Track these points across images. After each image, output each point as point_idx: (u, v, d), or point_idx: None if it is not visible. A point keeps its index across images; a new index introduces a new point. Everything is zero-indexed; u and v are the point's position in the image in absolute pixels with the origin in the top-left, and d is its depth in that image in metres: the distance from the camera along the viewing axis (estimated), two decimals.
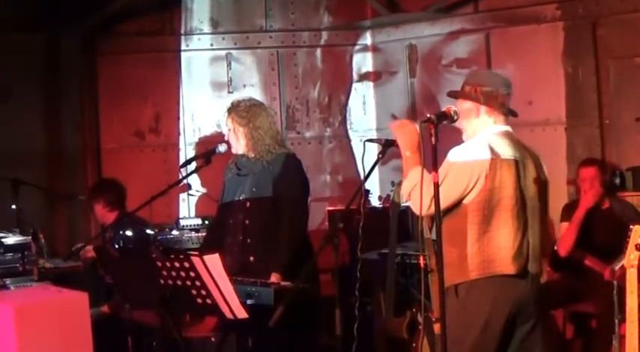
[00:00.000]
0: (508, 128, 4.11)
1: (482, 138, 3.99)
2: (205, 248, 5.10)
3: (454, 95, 4.18)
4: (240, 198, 4.99)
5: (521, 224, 3.91)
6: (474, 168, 3.86)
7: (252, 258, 4.86)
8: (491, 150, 3.90)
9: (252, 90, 7.76)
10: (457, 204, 3.88)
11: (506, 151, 3.96)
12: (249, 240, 4.90)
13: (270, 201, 4.88)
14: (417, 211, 3.88)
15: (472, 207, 3.87)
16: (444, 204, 3.71)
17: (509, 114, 4.12)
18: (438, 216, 3.63)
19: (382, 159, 4.08)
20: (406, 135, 4.00)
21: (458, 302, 3.85)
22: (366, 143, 4.13)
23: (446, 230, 3.72)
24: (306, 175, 5.09)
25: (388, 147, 4.07)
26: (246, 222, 4.93)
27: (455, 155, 3.93)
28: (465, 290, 3.86)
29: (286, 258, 4.72)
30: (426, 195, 3.76)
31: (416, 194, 3.84)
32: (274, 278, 4.64)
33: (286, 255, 4.74)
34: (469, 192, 3.87)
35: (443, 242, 3.71)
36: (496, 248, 3.86)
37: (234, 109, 5.03)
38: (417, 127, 3.96)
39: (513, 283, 3.89)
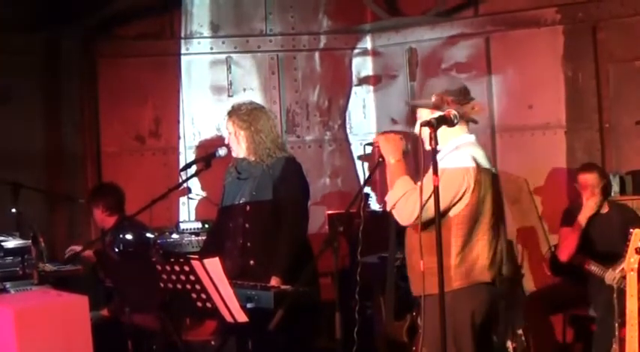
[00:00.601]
0: (473, 137, 4.13)
1: (463, 148, 4.01)
2: (205, 251, 5.11)
3: (423, 106, 4.13)
4: (241, 201, 4.99)
5: (495, 232, 4.01)
6: (463, 177, 3.90)
7: (252, 262, 4.86)
8: (475, 161, 3.95)
9: (252, 93, 7.75)
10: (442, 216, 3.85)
11: (483, 162, 4.02)
12: (249, 244, 4.90)
13: (270, 205, 4.88)
14: (403, 221, 3.88)
15: (457, 221, 3.92)
16: (431, 213, 3.70)
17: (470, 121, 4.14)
18: (438, 219, 3.62)
19: (382, 163, 4.08)
20: (389, 143, 4.02)
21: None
22: (366, 147, 4.13)
23: (429, 241, 3.71)
24: (306, 179, 5.10)
25: None
26: (247, 225, 4.93)
27: (443, 165, 3.88)
28: (450, 299, 3.81)
29: (286, 262, 4.72)
30: (412, 204, 3.79)
31: (402, 205, 3.85)
32: (274, 281, 4.64)
33: (286, 258, 4.74)
34: (457, 202, 3.90)
35: (424, 253, 3.73)
36: (475, 257, 3.95)
37: (235, 113, 5.03)
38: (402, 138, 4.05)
39: (489, 289, 4.00)
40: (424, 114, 4.09)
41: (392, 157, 3.99)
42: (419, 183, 3.68)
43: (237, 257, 4.90)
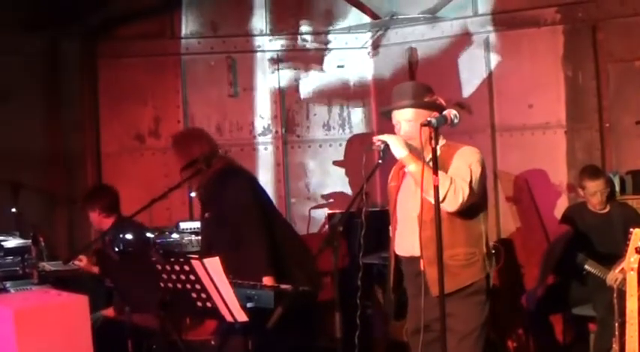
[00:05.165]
0: None
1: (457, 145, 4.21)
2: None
3: (427, 107, 4.21)
4: (201, 223, 5.26)
5: None
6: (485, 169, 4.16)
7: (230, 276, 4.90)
8: None
9: (252, 93, 7.77)
10: (475, 209, 4.08)
11: None
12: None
13: (220, 219, 4.99)
14: (453, 208, 3.95)
15: (484, 212, 4.18)
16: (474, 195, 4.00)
17: None
18: (438, 216, 3.65)
19: (381, 164, 4.08)
20: (397, 140, 4.03)
21: (488, 292, 4.18)
22: (367, 149, 4.14)
23: (466, 232, 4.09)
24: (245, 177, 5.17)
25: (388, 152, 4.06)
26: (212, 244, 5.05)
27: (470, 155, 4.10)
28: (489, 282, 4.20)
29: (265, 261, 4.77)
30: (460, 190, 3.94)
31: (451, 195, 3.94)
32: (267, 281, 4.65)
33: (262, 258, 4.77)
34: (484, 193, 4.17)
35: (460, 244, 4.06)
36: (488, 246, 4.24)
37: (171, 144, 5.34)
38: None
39: None
40: (410, 116, 4.15)
41: (410, 162, 4.00)
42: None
43: None
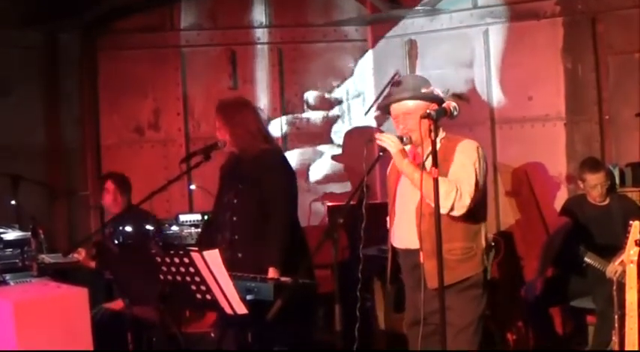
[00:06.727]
0: None
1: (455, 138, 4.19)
2: (198, 245, 5.14)
3: (427, 99, 4.17)
4: (229, 195, 5.03)
5: None
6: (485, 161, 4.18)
7: (240, 255, 4.87)
8: None
9: (253, 86, 7.76)
10: (474, 205, 4.05)
11: None
12: (236, 237, 4.93)
13: (255, 198, 4.91)
14: (464, 209, 3.98)
15: (481, 205, 4.15)
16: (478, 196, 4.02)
17: None
18: (438, 215, 3.65)
19: (382, 156, 4.08)
20: (392, 141, 4.03)
21: (484, 285, 4.18)
22: (367, 142, 4.14)
23: (464, 227, 4.07)
24: (291, 169, 5.12)
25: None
26: (234, 218, 4.97)
27: (473, 151, 4.10)
28: (487, 276, 4.21)
29: (279, 252, 4.75)
30: (453, 195, 3.94)
31: (457, 202, 3.96)
32: (272, 272, 4.65)
33: (278, 248, 4.76)
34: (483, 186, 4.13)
35: (458, 238, 4.06)
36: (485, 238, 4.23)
37: (219, 107, 5.11)
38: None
39: None
40: (408, 108, 4.14)
41: (404, 157, 4.02)
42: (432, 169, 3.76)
43: (226, 250, 4.90)
